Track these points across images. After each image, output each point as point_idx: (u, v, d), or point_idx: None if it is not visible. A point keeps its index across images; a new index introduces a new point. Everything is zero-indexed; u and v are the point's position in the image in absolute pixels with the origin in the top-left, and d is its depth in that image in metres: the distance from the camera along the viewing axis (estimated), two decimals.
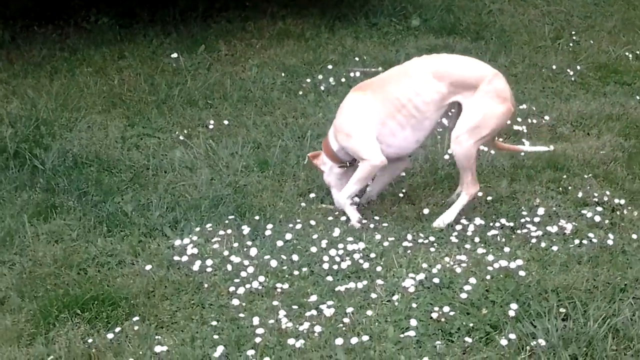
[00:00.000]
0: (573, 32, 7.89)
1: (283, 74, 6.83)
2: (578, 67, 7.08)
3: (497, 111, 4.45)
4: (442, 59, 4.63)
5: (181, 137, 5.70)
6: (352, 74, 6.79)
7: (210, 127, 5.89)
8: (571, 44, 7.66)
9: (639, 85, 6.80)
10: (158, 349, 3.65)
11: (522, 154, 5.28)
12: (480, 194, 4.94)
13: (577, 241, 4.43)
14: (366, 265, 4.22)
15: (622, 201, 4.84)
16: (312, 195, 4.95)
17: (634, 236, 4.49)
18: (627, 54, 7.45)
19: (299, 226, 4.57)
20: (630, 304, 3.85)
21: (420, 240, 4.46)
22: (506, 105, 4.48)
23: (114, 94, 6.37)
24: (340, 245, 4.38)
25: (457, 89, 4.45)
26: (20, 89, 6.42)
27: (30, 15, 7.91)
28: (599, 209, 4.77)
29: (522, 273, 4.09)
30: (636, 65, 7.24)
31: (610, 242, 4.41)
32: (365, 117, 4.50)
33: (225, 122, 5.94)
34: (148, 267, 4.23)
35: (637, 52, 7.50)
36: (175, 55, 7.03)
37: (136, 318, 3.86)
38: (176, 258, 4.32)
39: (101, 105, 6.18)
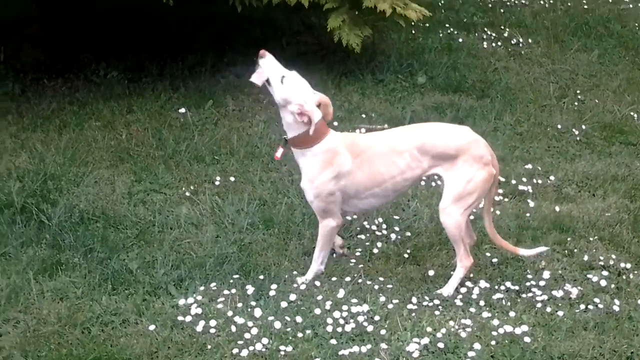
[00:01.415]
0: (578, 91, 7.94)
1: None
2: (583, 127, 7.11)
3: (479, 177, 4.47)
4: (426, 131, 4.58)
5: (187, 193, 5.73)
6: (358, 131, 6.83)
7: (217, 183, 5.91)
8: (576, 103, 7.71)
9: None
10: None
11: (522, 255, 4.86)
12: (488, 254, 4.95)
13: (582, 306, 4.42)
14: (370, 328, 4.22)
15: (628, 265, 4.84)
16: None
17: (639, 302, 4.48)
18: (632, 113, 7.49)
19: (303, 286, 4.56)
20: None
21: (425, 303, 4.46)
22: (487, 169, 4.50)
23: (122, 148, 6.41)
24: (345, 307, 4.38)
25: (438, 161, 4.48)
26: (29, 142, 6.46)
27: (41, 69, 7.99)
28: (605, 273, 4.76)
29: (527, 339, 4.07)
30: None
31: (616, 307, 4.39)
32: (344, 183, 4.49)
33: (232, 178, 5.97)
34: (152, 327, 4.23)
35: None
36: (183, 110, 7.08)
37: None
38: (180, 318, 4.31)
39: (109, 160, 6.21)
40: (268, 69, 4.49)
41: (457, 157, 4.44)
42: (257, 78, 4.54)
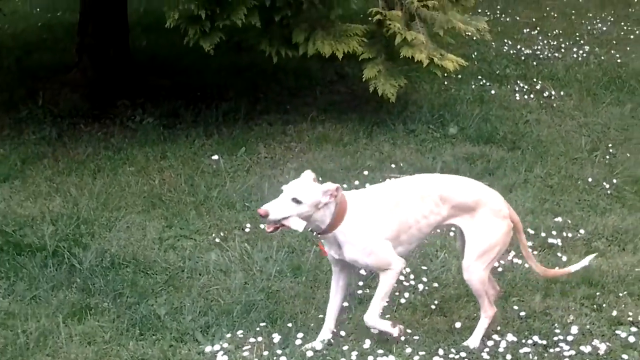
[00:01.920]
0: (610, 145, 7.92)
1: (320, 178, 6.86)
2: (614, 181, 7.08)
3: (500, 232, 4.49)
4: (446, 181, 4.64)
5: (217, 240, 5.78)
6: (388, 180, 6.86)
7: (247, 230, 5.97)
8: (608, 157, 7.68)
9: None
10: None
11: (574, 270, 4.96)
12: (515, 307, 4.92)
13: None
14: None
15: None
16: (345, 304, 4.95)
17: None
18: None
19: (330, 335, 4.57)
20: None
21: (451, 356, 4.43)
22: (506, 222, 4.52)
23: (154, 194, 6.50)
24: (370, 358, 4.37)
25: (457, 211, 4.49)
26: (63, 186, 6.58)
27: (78, 114, 8.17)
28: (634, 329, 4.72)
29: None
30: None
31: None
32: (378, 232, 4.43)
33: (262, 225, 6.01)
34: None
35: None
36: (215, 157, 7.18)
37: None
38: None
39: (141, 205, 6.30)
40: (283, 213, 4.19)
41: (475, 210, 4.46)
42: (296, 224, 4.26)
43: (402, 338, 4.58)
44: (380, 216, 4.38)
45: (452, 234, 5.77)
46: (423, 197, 4.44)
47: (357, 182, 6.80)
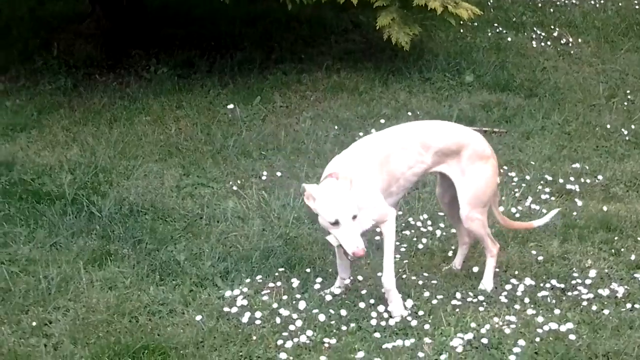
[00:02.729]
0: (628, 91, 7.85)
1: (336, 127, 6.92)
2: (633, 127, 7.03)
3: (488, 173, 4.49)
4: (426, 127, 4.57)
5: (234, 188, 5.80)
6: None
7: (264, 178, 5.98)
8: (626, 103, 7.62)
9: None
10: None
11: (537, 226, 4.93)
12: (533, 252, 4.93)
13: (629, 305, 4.38)
14: (414, 322, 4.22)
15: None
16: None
17: None
18: None
19: (347, 281, 4.59)
20: None
21: (469, 299, 4.45)
22: (491, 161, 4.51)
23: (171, 143, 6.51)
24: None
25: (441, 158, 4.44)
26: (80, 136, 6.60)
27: (93, 64, 8.16)
28: None
29: (572, 336, 4.05)
30: None
31: None
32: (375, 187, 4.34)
33: (278, 173, 6.03)
34: (198, 317, 4.29)
35: None
36: (231, 106, 7.17)
37: None
38: (226, 309, 4.37)
39: (158, 154, 6.32)
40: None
41: (460, 154, 4.42)
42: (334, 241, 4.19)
43: (420, 282, 4.60)
44: (373, 173, 4.29)
45: None
46: (405, 148, 4.37)
47: (373, 130, 6.77)
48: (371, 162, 4.30)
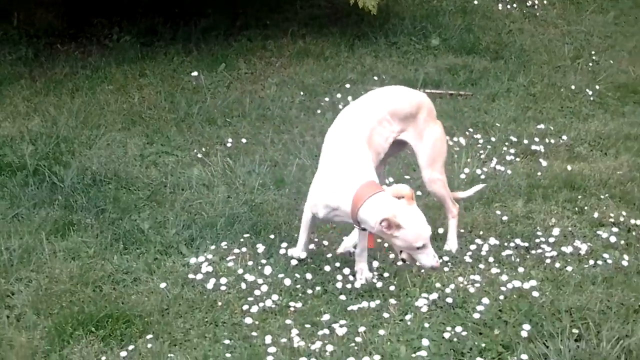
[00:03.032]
0: (593, 52, 7.88)
1: (302, 93, 6.87)
2: (597, 87, 7.07)
3: (440, 133, 4.51)
4: (388, 95, 4.47)
5: (199, 155, 5.75)
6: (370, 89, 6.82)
7: (228, 145, 5.93)
8: (590, 64, 7.65)
9: None
10: None
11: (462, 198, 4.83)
12: (498, 212, 4.94)
13: (591, 262, 4.42)
14: (379, 284, 4.23)
15: (639, 222, 4.82)
16: None
17: None
18: None
19: (312, 245, 4.58)
20: None
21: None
22: (438, 122, 4.53)
23: (134, 111, 6.44)
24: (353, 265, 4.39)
25: (404, 125, 4.40)
26: (41, 106, 6.50)
27: (54, 33, 8.02)
28: (615, 229, 4.76)
29: (535, 293, 4.08)
30: None
31: (625, 262, 4.39)
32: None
33: (243, 140, 5.99)
34: (163, 284, 4.26)
35: None
36: (195, 73, 7.09)
37: (150, 336, 3.88)
38: (191, 276, 4.35)
39: (121, 123, 6.24)
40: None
41: (416, 116, 4.40)
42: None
43: (385, 244, 4.59)
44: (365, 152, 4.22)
45: None
46: (380, 122, 4.31)
47: (339, 95, 6.77)
48: (367, 149, 4.22)
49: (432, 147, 4.44)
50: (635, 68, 7.54)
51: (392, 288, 4.20)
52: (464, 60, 7.62)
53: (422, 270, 4.33)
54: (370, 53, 7.72)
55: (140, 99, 6.65)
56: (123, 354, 3.76)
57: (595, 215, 4.89)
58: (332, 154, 4.20)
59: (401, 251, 4.05)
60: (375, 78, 7.14)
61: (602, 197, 5.14)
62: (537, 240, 4.62)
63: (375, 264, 4.39)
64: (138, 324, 3.96)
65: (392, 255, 4.47)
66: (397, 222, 3.87)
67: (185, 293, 4.23)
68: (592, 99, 6.89)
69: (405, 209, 3.93)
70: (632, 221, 4.82)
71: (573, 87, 7.07)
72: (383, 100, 4.40)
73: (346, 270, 4.33)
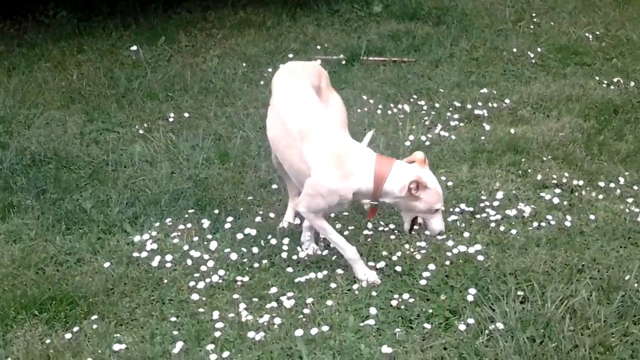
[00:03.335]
0: (534, 14, 7.92)
1: (244, 64, 6.80)
2: (539, 49, 7.11)
3: (339, 97, 4.50)
4: (304, 70, 4.38)
5: (141, 131, 5.66)
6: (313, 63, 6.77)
7: (171, 119, 5.85)
8: (532, 26, 7.69)
9: (598, 66, 6.84)
10: (117, 347, 3.62)
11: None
12: (443, 178, 4.95)
13: (535, 224, 4.46)
14: (326, 254, 4.22)
15: (581, 182, 4.88)
16: (274, 186, 4.92)
17: (592, 217, 4.52)
18: (587, 34, 7.49)
19: (258, 219, 4.55)
20: (587, 285, 3.88)
21: (380, 229, 4.46)
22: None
23: (73, 89, 6.31)
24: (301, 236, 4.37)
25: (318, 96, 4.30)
26: None
27: None
28: (558, 190, 4.81)
29: (480, 257, 4.11)
30: (596, 45, 7.28)
31: (568, 223, 4.44)
32: None
33: (186, 114, 5.91)
34: (107, 264, 4.20)
35: (597, 33, 7.54)
36: (135, 47, 6.97)
37: (95, 317, 3.83)
38: (135, 254, 4.29)
39: (60, 101, 6.11)
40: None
41: (320, 85, 4.35)
42: None
43: (332, 215, 4.58)
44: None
45: (379, 112, 5.77)
46: (315, 97, 4.20)
47: (280, 65, 6.67)
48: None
49: (339, 111, 4.42)
50: (576, 29, 7.59)
51: (339, 258, 4.19)
52: (407, 27, 7.60)
53: (369, 239, 4.33)
54: (313, 22, 7.67)
55: (79, 76, 6.52)
56: (68, 336, 3.70)
57: (539, 177, 4.93)
58: (317, 147, 3.90)
59: (413, 221, 4.02)
60: (318, 47, 7.09)
61: (545, 159, 5.18)
62: (482, 205, 4.65)
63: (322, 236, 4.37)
64: (83, 305, 3.90)
65: (338, 226, 4.45)
66: (425, 182, 3.83)
67: (130, 272, 4.17)
68: (534, 61, 6.92)
69: (424, 172, 3.90)
70: (575, 182, 4.87)
71: (515, 50, 7.10)
72: (305, 76, 4.27)
73: (292, 243, 4.30)
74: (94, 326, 3.76)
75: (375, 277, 4.02)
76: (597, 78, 6.56)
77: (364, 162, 3.87)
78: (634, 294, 3.80)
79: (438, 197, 3.91)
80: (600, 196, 4.77)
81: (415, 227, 4.08)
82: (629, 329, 3.59)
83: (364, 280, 4.01)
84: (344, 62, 6.83)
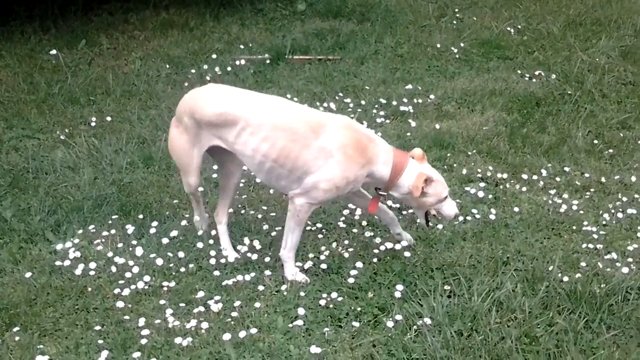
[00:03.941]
0: (456, 10, 8.00)
1: (168, 66, 6.70)
2: (462, 45, 7.17)
3: None
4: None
5: (62, 137, 5.53)
6: (237, 62, 6.72)
7: (93, 124, 5.73)
8: (455, 22, 7.76)
9: (520, 60, 6.94)
10: (40, 358, 3.53)
11: None
12: None
13: (461, 218, 4.49)
14: (254, 256, 4.18)
15: (505, 175, 4.94)
16: (200, 189, 4.85)
17: (516, 209, 4.58)
18: (509, 29, 7.59)
19: (184, 222, 4.49)
20: (513, 276, 3.92)
21: (308, 228, 4.43)
22: None
23: None
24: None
25: None
26: None
27: None
28: (483, 184, 4.86)
29: (407, 254, 4.12)
30: (518, 39, 7.38)
31: (492, 217, 4.49)
32: None
33: (108, 118, 5.79)
34: (29, 274, 4.08)
35: (519, 27, 7.66)
36: (54, 51, 6.81)
37: (17, 328, 3.72)
38: (58, 263, 4.18)
39: None
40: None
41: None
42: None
43: (259, 216, 4.55)
44: None
45: None
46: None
47: (205, 67, 6.64)
48: None
49: None
50: (498, 23, 7.69)
51: (267, 259, 4.16)
52: (331, 24, 7.60)
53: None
54: (237, 21, 7.61)
55: None
56: None
57: (464, 171, 4.98)
58: (338, 137, 3.82)
59: (426, 214, 4.04)
60: (242, 47, 7.04)
61: (470, 153, 5.23)
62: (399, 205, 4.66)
63: (247, 240, 4.33)
64: (4, 317, 3.79)
65: (266, 227, 4.42)
66: (432, 177, 3.90)
67: (54, 281, 4.07)
68: (457, 56, 6.99)
69: (425, 166, 3.98)
70: (499, 175, 4.93)
71: (439, 45, 7.15)
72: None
73: (219, 245, 4.25)
74: (17, 338, 3.66)
75: (302, 277, 4.01)
76: (519, 72, 6.66)
77: (384, 152, 3.91)
78: (558, 284, 3.86)
79: (443, 187, 3.97)
80: (524, 188, 4.84)
81: (430, 218, 4.11)
82: (554, 319, 3.64)
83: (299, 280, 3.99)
84: (268, 62, 6.79)
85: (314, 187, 3.84)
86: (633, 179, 4.95)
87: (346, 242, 4.30)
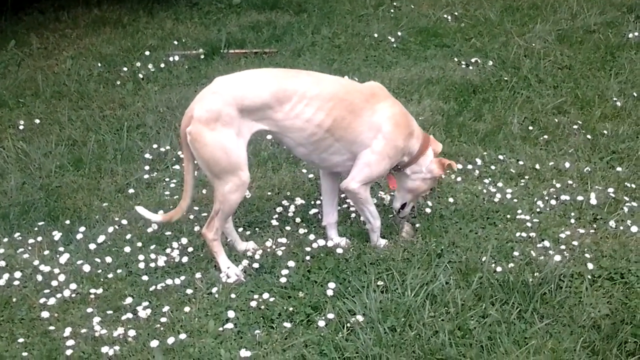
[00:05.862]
0: None
1: (100, 64, 6.55)
2: (399, 33, 7.12)
3: None
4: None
5: None
6: (171, 58, 6.60)
7: (21, 127, 5.57)
8: (392, 10, 7.71)
9: (458, 47, 6.91)
10: None
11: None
12: (304, 171, 4.89)
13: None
14: (185, 259, 4.08)
15: None
16: (131, 190, 4.75)
17: (451, 200, 4.54)
18: (446, 16, 7.56)
19: (113, 227, 4.37)
20: (446, 268, 3.88)
21: (240, 229, 4.34)
22: None
23: None
24: (157, 242, 4.22)
25: None
26: None
27: None
28: None
29: (340, 250, 4.05)
30: (455, 26, 7.36)
31: (428, 209, 4.44)
32: None
33: (37, 120, 5.64)
34: None
35: (456, 14, 7.63)
36: None
37: None
38: None
39: None
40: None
41: None
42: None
43: (191, 217, 4.45)
44: None
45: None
46: None
47: (138, 64, 6.50)
48: None
49: None
50: (435, 11, 7.65)
51: (197, 262, 4.06)
52: (267, 17, 7.50)
53: (230, 240, 4.21)
54: (171, 16, 7.48)
55: None
56: None
57: None
58: (391, 107, 4.01)
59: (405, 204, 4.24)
60: (176, 42, 6.91)
61: None
62: (343, 195, 4.58)
63: (184, 240, 4.23)
64: None
65: (197, 228, 4.32)
66: (453, 164, 4.20)
67: None
68: (395, 45, 6.93)
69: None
70: None
71: (376, 35, 7.10)
72: None
73: (150, 249, 4.15)
74: None
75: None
76: (456, 59, 6.63)
77: (417, 127, 4.12)
78: (491, 274, 3.82)
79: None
80: (459, 178, 4.80)
81: (407, 209, 4.24)
82: (487, 311, 3.60)
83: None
84: (203, 57, 6.67)
85: (367, 165, 3.96)
86: (567, 164, 4.95)
87: (279, 240, 4.21)
